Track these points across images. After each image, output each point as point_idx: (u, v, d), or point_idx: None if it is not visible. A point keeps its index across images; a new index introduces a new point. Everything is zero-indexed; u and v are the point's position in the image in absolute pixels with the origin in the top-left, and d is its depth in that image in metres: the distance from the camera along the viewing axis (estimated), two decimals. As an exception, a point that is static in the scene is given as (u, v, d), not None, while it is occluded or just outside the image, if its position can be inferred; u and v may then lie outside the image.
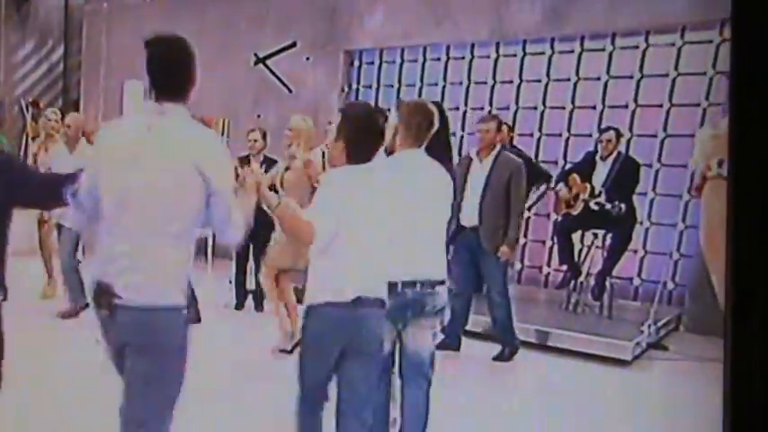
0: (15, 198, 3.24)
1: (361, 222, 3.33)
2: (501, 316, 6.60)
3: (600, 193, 7.48)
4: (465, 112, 9.87)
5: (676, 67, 8.38)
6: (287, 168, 6.46)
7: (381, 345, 3.54)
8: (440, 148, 4.05)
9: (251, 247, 7.70)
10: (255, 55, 10.95)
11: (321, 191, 3.40)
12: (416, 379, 4.02)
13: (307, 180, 6.23)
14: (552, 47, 9.23)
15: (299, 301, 6.30)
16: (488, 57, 9.71)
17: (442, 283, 4.06)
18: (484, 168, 6.52)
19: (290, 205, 3.30)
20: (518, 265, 9.23)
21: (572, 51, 9.10)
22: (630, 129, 8.63)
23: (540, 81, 9.32)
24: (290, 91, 10.46)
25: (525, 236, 9.11)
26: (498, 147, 6.64)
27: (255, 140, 7.59)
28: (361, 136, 3.39)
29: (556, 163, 8.97)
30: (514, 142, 8.57)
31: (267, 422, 4.70)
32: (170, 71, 2.86)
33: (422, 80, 10.27)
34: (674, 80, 8.40)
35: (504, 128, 8.70)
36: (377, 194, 3.43)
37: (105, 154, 2.90)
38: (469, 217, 6.49)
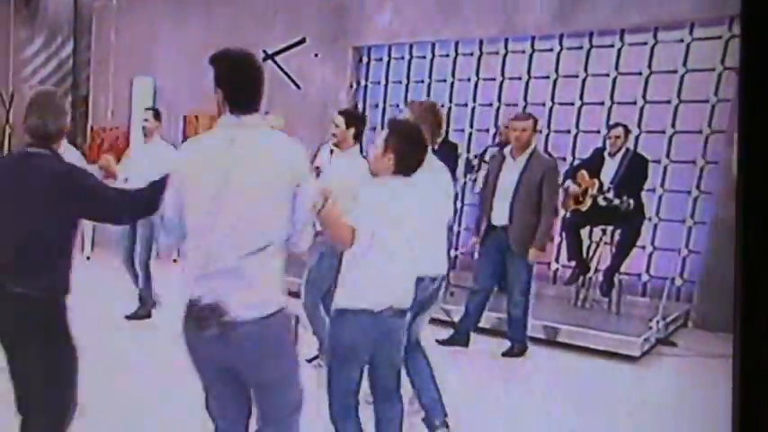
0: (84, 212, 3.28)
1: (398, 233, 3.47)
2: (517, 314, 6.58)
3: (608, 189, 7.48)
4: (473, 109, 9.87)
5: (685, 64, 8.35)
6: None
7: (402, 353, 3.73)
8: (443, 149, 4.21)
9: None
10: (264, 51, 10.93)
11: (365, 198, 3.50)
12: (414, 352, 4.38)
13: None
14: (561, 43, 9.21)
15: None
16: (497, 53, 9.69)
17: (444, 278, 4.50)
18: (517, 167, 6.44)
19: (335, 206, 3.34)
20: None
21: (580, 48, 9.07)
22: (639, 125, 8.61)
23: (548, 77, 9.30)
24: (299, 87, 10.44)
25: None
26: (533, 146, 6.52)
27: None
28: (412, 152, 3.55)
29: (564, 159, 8.95)
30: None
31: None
32: (245, 85, 2.92)
33: (430, 76, 10.25)
34: (682, 76, 8.37)
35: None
36: (414, 208, 3.59)
37: (190, 172, 2.87)
38: (500, 216, 6.46)
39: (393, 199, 3.49)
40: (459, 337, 6.76)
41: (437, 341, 6.62)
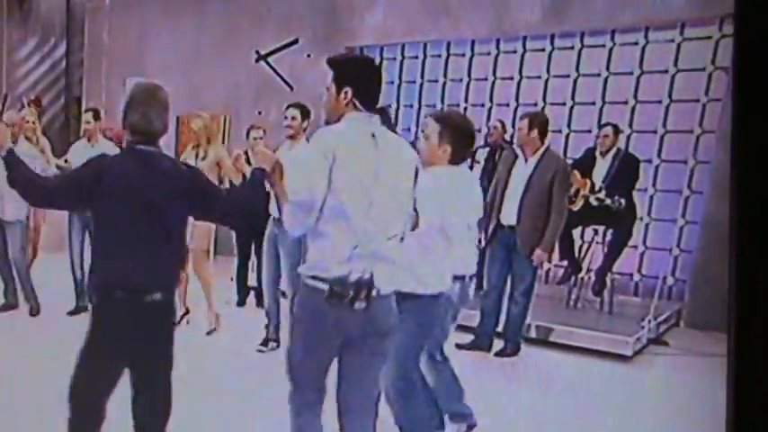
0: (199, 211, 3.31)
1: (455, 216, 3.83)
2: (515, 314, 6.58)
3: (600, 188, 7.50)
4: (465, 109, 9.88)
5: (676, 64, 8.40)
6: (203, 160, 6.73)
7: None
8: None
9: (252, 243, 7.76)
10: (257, 52, 10.96)
11: (430, 186, 3.64)
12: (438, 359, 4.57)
13: (216, 173, 6.65)
14: (552, 43, 9.25)
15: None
16: (489, 53, 9.73)
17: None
18: (528, 167, 6.41)
19: None
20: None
21: (572, 48, 9.12)
22: (630, 125, 8.65)
23: (540, 77, 9.34)
24: (291, 88, 10.46)
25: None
26: (545, 145, 6.47)
27: (261, 138, 7.58)
28: (466, 142, 3.94)
29: (556, 159, 8.98)
30: (514, 139, 8.57)
31: (268, 417, 4.72)
32: (375, 84, 3.14)
33: (422, 77, 10.29)
34: (673, 76, 8.42)
35: (500, 124, 8.73)
36: (467, 192, 4.04)
37: (341, 160, 2.94)
38: (509, 215, 6.44)
39: (453, 184, 3.83)
40: (481, 342, 6.70)
41: (457, 345, 6.57)
